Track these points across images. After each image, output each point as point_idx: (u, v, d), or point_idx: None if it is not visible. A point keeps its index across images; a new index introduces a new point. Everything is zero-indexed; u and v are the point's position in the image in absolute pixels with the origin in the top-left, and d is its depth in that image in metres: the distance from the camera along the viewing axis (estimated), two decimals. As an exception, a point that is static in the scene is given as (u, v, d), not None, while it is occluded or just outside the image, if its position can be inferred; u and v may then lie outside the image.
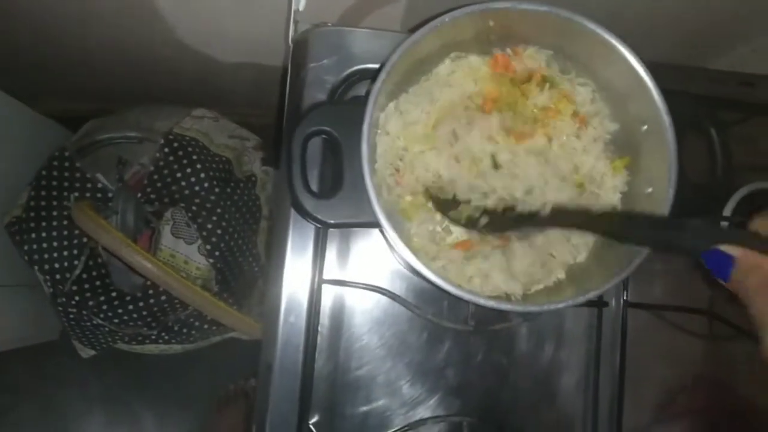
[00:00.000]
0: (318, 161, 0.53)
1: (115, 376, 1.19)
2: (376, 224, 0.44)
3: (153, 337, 0.90)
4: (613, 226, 0.42)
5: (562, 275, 0.49)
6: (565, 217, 0.45)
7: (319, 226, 0.49)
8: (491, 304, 0.42)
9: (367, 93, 0.45)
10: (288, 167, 0.45)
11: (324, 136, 0.47)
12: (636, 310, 0.57)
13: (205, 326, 0.89)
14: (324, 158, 0.54)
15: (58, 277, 0.83)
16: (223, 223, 0.86)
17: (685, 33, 0.74)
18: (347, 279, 0.55)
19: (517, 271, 0.46)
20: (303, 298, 0.53)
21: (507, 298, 0.48)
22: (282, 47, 0.84)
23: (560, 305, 0.42)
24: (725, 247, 0.33)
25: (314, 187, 0.51)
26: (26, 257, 0.83)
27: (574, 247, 0.49)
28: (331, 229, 0.53)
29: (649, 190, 0.46)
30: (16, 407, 1.17)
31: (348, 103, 0.53)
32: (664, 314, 0.60)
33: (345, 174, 0.46)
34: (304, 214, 0.45)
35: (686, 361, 0.60)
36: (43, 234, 0.83)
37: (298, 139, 0.45)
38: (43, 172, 0.85)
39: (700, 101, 0.48)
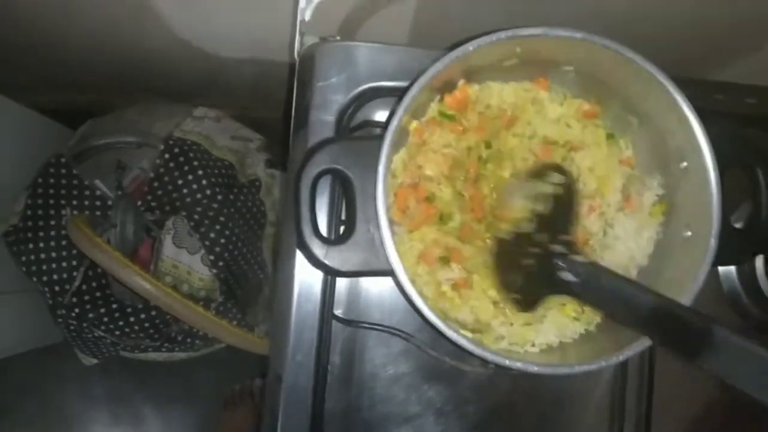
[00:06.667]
0: (326, 192, 0.49)
1: (120, 375, 1.18)
2: (391, 273, 0.41)
3: (156, 346, 0.87)
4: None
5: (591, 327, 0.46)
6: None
7: (329, 275, 0.46)
8: (518, 366, 0.38)
9: (384, 126, 0.41)
10: (296, 211, 0.42)
11: (334, 174, 0.43)
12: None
13: (209, 335, 0.87)
14: (333, 188, 0.50)
15: (57, 288, 0.81)
16: (227, 232, 0.83)
17: (694, 45, 0.69)
18: (359, 316, 0.52)
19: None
20: (312, 336, 0.50)
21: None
22: (286, 42, 0.79)
23: (592, 367, 0.39)
24: None
25: (323, 224, 0.48)
26: (24, 269, 0.80)
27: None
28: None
29: (688, 233, 0.43)
30: (20, 407, 1.16)
31: (360, 138, 0.49)
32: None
33: (358, 215, 0.42)
34: (314, 261, 0.42)
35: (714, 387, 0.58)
36: (41, 245, 0.80)
37: (306, 181, 0.41)
38: (39, 180, 0.82)
39: (744, 136, 0.43)
